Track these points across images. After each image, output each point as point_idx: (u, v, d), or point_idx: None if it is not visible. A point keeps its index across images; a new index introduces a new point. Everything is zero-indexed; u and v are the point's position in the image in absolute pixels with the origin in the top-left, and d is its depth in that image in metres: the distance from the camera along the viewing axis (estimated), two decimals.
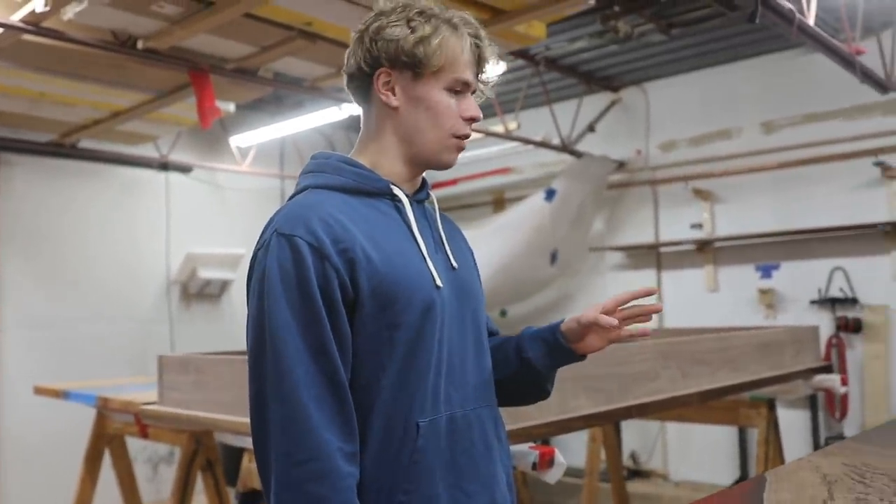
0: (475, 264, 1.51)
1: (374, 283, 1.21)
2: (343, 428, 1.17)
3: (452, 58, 1.30)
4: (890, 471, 1.60)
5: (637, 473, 5.98)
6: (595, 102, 6.19)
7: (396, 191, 1.33)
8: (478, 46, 1.33)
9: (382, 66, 1.31)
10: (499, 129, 5.65)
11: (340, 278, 1.20)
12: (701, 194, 5.73)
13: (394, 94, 1.32)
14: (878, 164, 4.86)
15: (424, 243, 1.31)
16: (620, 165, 6.15)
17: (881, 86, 4.39)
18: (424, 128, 1.31)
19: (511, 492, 1.39)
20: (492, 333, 1.54)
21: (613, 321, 1.31)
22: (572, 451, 5.41)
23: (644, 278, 6.05)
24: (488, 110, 5.96)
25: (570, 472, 5.88)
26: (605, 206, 6.27)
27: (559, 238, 5.86)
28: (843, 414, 5.03)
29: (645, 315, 1.38)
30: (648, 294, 1.38)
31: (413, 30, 1.28)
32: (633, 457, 6.03)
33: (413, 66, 1.29)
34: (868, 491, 1.44)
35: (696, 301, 5.77)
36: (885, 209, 4.95)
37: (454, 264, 1.37)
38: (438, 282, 1.28)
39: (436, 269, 1.30)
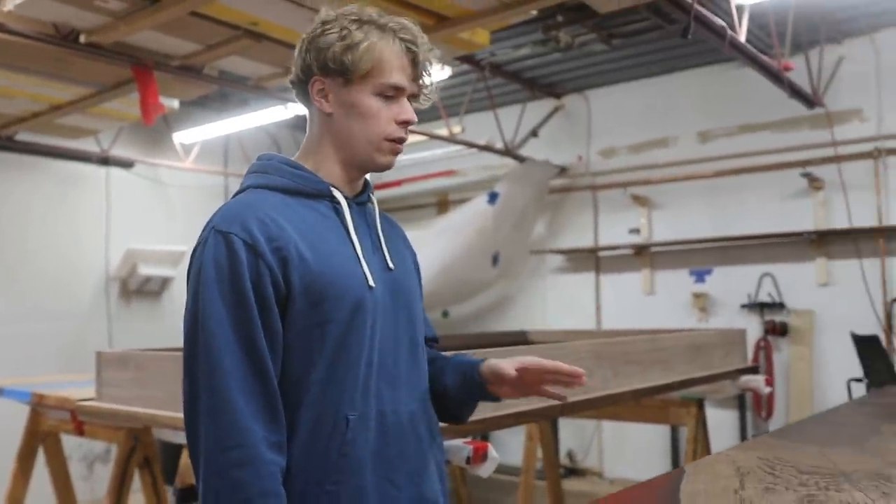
0: (416, 267, 1.55)
1: (305, 280, 1.26)
2: (269, 418, 1.22)
3: (381, 63, 1.33)
4: (798, 463, 1.71)
5: (573, 472, 6.11)
6: (538, 108, 6.31)
7: (336, 193, 1.37)
8: (411, 51, 1.36)
9: (315, 74, 1.36)
10: (443, 132, 5.73)
11: (273, 275, 1.24)
12: (639, 200, 5.89)
13: (327, 101, 1.36)
14: (806, 175, 5.08)
15: (361, 244, 1.36)
16: (562, 170, 6.28)
17: (808, 101, 4.59)
18: (356, 132, 1.36)
19: (444, 486, 1.44)
20: (431, 339, 1.60)
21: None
22: (510, 449, 5.52)
23: (583, 281, 6.19)
24: (433, 113, 6.03)
25: (508, 470, 6.00)
26: (547, 210, 6.40)
27: (501, 240, 5.96)
28: (769, 413, 5.23)
29: (566, 384, 1.44)
30: (573, 376, 1.43)
31: (343, 38, 1.32)
32: (570, 455, 6.16)
33: (342, 72, 1.33)
34: (776, 481, 1.55)
35: (633, 304, 5.93)
36: (811, 218, 5.17)
37: (391, 265, 1.41)
38: (371, 282, 1.33)
39: (370, 269, 1.34)
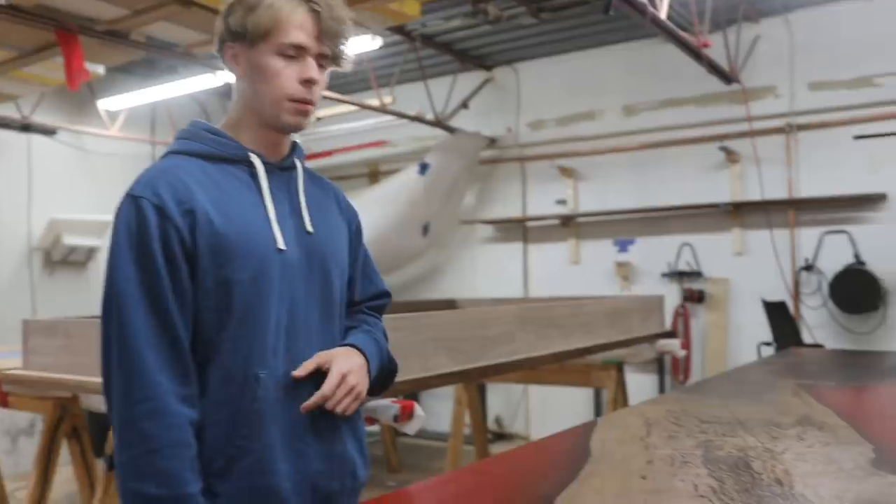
0: (356, 229, 1.57)
1: (212, 241, 1.29)
2: (178, 372, 1.26)
3: (279, 22, 1.34)
4: (701, 414, 1.86)
5: (501, 436, 6.29)
6: (469, 80, 6.38)
7: (253, 158, 1.39)
8: (314, 10, 1.36)
9: (227, 40, 1.39)
10: (374, 102, 5.75)
11: (180, 235, 1.28)
12: (566, 172, 6.04)
13: (238, 66, 1.39)
14: (723, 149, 5.30)
15: (276, 208, 1.38)
16: (492, 142, 6.39)
17: (726, 77, 4.78)
18: (262, 93, 1.37)
19: (359, 444, 1.47)
20: (378, 295, 1.61)
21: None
22: (439, 416, 5.65)
23: (512, 251, 6.34)
24: (365, 84, 6.05)
25: (437, 436, 6.10)
26: (477, 181, 6.50)
27: (432, 211, 6.04)
28: (686, 376, 5.48)
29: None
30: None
31: (244, 2, 1.36)
32: (498, 421, 6.34)
33: (245, 35, 1.36)
34: (679, 430, 1.68)
35: (559, 273, 6.10)
36: (728, 190, 5.40)
37: (309, 229, 1.42)
38: (281, 244, 1.35)
39: (282, 232, 1.37)
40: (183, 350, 1.28)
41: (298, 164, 1.48)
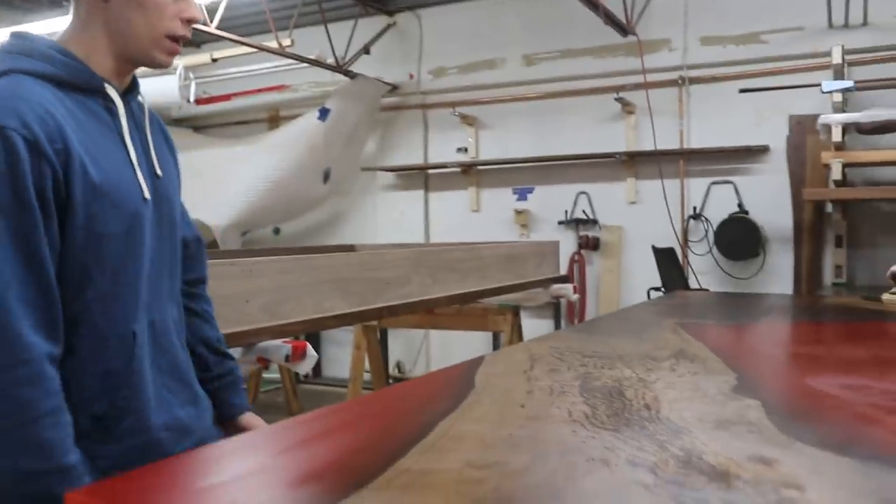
0: (177, 168, 1.48)
1: (86, 191, 1.17)
2: (51, 331, 1.15)
3: None
4: (583, 349, 1.93)
5: (402, 381, 6.37)
6: (370, 25, 6.29)
7: (111, 91, 1.28)
8: None
9: None
10: (272, 44, 5.60)
11: (56, 179, 1.14)
12: (467, 120, 6.06)
13: None
14: (619, 99, 5.42)
15: (134, 150, 1.29)
16: (393, 88, 6.34)
17: (622, 29, 4.87)
18: (137, 25, 1.27)
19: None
20: (193, 240, 1.56)
21: None
22: (341, 362, 5.68)
23: (413, 198, 6.35)
24: (262, 27, 5.88)
25: (337, 381, 6.12)
26: (378, 128, 6.46)
27: (332, 157, 5.98)
28: (581, 320, 5.67)
29: None
30: None
31: None
32: (399, 366, 6.42)
33: None
34: (561, 364, 1.75)
35: (460, 221, 6.16)
36: (623, 141, 5.55)
37: (158, 172, 1.35)
38: (146, 193, 1.28)
39: (143, 177, 1.29)
40: (56, 306, 1.16)
41: (141, 96, 1.38)
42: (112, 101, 1.28)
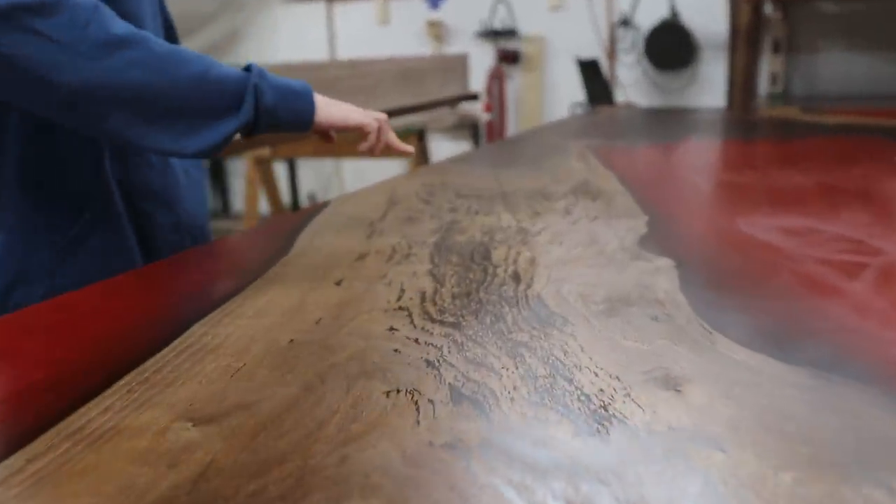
0: None
1: None
2: None
3: None
4: (462, 187, 1.52)
5: (310, 207, 5.96)
6: None
7: None
8: None
9: None
10: None
11: None
12: None
13: None
14: None
15: None
16: None
17: None
18: None
19: None
20: None
21: None
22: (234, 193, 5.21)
23: (315, 12, 5.66)
24: None
25: (235, 214, 5.69)
26: None
27: None
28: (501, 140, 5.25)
29: None
30: None
31: None
32: (311, 197, 5.98)
33: None
34: (424, 209, 1.34)
35: (367, 35, 5.53)
36: None
37: None
38: None
39: None
40: None
41: None
42: None
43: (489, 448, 0.54)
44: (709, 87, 4.69)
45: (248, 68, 1.05)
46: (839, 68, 4.39)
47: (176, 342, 0.75)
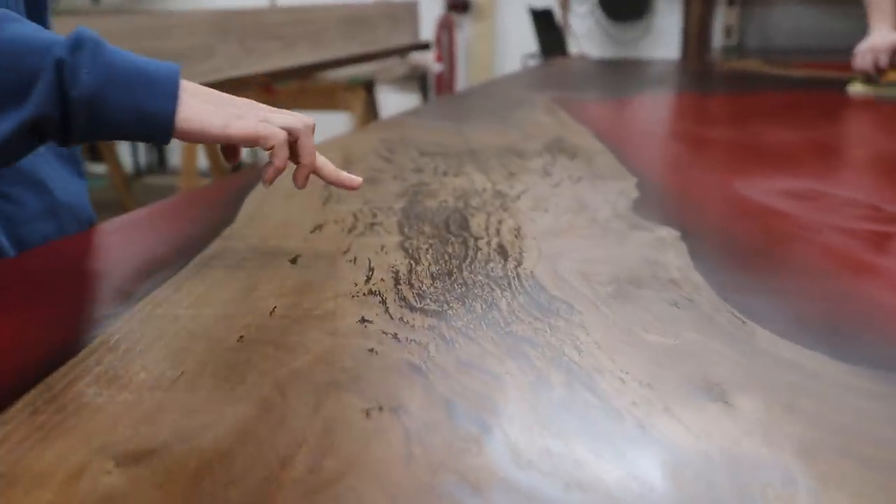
0: None
1: None
2: None
3: None
4: (424, 144, 1.38)
5: (252, 166, 5.73)
6: None
7: None
8: None
9: None
10: None
11: None
12: None
13: None
14: None
15: None
16: None
17: None
18: None
19: None
20: None
21: None
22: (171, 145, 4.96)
23: None
24: None
25: (172, 170, 5.46)
26: None
27: None
28: (451, 93, 5.08)
29: None
30: None
31: None
32: (255, 152, 5.73)
33: None
34: (385, 169, 1.20)
35: None
36: None
37: None
38: None
39: None
40: None
41: None
42: None
43: (506, 491, 0.41)
44: (662, 39, 4.59)
45: (75, 39, 0.65)
46: (793, 22, 4.32)
47: (95, 343, 0.61)
